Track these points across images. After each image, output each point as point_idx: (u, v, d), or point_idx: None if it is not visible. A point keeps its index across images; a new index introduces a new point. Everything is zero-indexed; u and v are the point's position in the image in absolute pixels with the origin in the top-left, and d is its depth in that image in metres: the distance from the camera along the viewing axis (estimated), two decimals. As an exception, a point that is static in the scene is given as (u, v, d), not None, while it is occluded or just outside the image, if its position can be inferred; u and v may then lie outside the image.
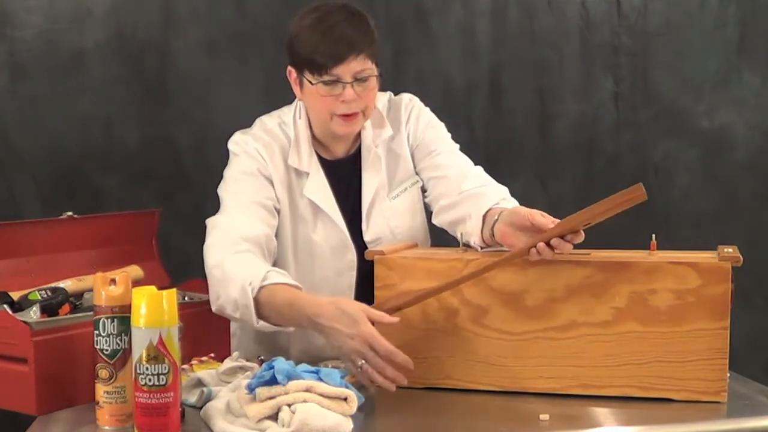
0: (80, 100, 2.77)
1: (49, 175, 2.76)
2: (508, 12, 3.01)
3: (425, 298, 1.76)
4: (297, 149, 2.04)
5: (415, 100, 2.15)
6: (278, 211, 2.01)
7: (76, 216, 2.02)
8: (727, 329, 1.66)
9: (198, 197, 2.86)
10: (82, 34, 2.76)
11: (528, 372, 1.73)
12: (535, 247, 1.69)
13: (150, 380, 1.47)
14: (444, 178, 2.05)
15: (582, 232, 1.70)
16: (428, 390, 1.78)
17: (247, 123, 2.86)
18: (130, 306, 1.51)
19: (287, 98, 2.97)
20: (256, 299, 1.79)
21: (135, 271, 1.95)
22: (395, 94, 2.15)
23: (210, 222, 1.98)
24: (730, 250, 1.71)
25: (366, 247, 1.97)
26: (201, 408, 1.62)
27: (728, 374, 1.69)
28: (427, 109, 2.15)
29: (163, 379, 1.47)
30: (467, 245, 1.90)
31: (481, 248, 1.86)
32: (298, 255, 2.03)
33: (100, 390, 1.57)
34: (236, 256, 1.86)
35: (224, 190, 2.03)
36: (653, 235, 1.81)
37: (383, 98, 2.13)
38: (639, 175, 3.12)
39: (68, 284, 1.85)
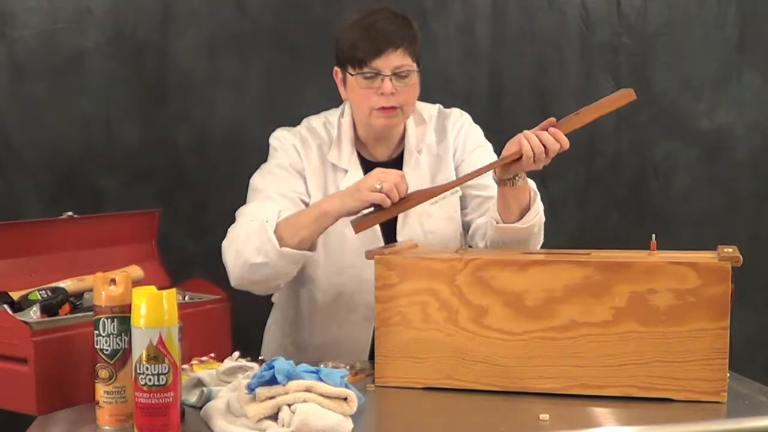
0: (80, 100, 2.77)
1: (49, 175, 2.76)
2: (508, 12, 3.01)
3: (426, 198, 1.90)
4: (338, 147, 2.11)
5: (466, 116, 2.21)
6: (306, 205, 2.06)
7: (76, 216, 2.01)
8: (727, 329, 1.66)
9: (198, 197, 2.87)
10: (82, 34, 2.76)
11: (528, 372, 1.73)
12: (526, 140, 1.82)
13: (150, 380, 1.47)
14: (489, 199, 2.08)
15: (565, 140, 1.85)
16: (428, 390, 1.78)
17: (247, 123, 2.88)
18: (130, 306, 1.51)
19: (287, 98, 2.98)
20: (276, 232, 1.91)
21: (135, 271, 1.94)
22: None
23: (237, 212, 2.06)
24: (730, 250, 1.71)
25: None
26: (201, 408, 1.62)
27: (728, 374, 1.69)
28: (477, 127, 2.21)
29: (163, 379, 1.47)
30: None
31: (497, 224, 1.98)
32: (328, 242, 2.06)
33: (100, 390, 1.57)
34: (251, 223, 1.97)
35: (256, 181, 2.11)
36: (653, 235, 1.81)
37: (432, 108, 2.19)
38: (639, 175, 3.12)
39: (68, 284, 1.84)
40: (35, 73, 2.73)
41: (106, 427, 1.57)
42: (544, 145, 1.83)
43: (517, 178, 1.92)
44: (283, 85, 2.89)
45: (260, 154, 2.58)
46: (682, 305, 1.67)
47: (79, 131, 2.78)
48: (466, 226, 2.17)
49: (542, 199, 2.03)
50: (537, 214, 1.98)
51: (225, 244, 2.00)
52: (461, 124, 2.18)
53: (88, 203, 2.64)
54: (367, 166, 2.09)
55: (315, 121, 2.16)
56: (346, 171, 2.09)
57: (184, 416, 1.58)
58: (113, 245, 2.07)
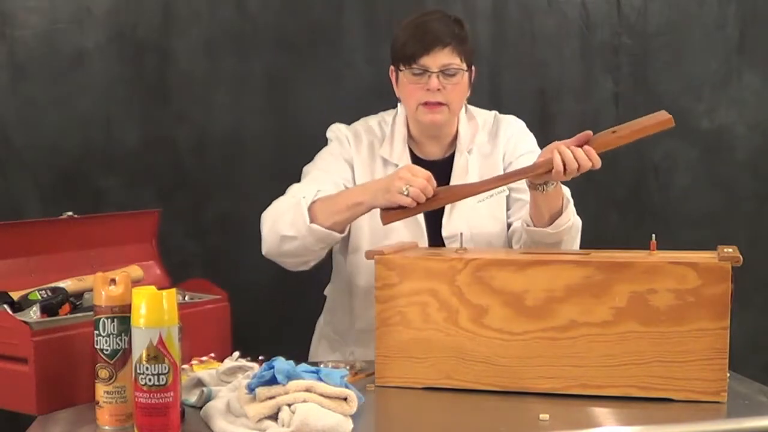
0: (80, 100, 2.77)
1: (49, 175, 2.76)
2: (508, 12, 3.01)
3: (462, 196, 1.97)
4: (390, 142, 2.18)
5: (521, 123, 2.27)
6: None
7: (76, 216, 2.01)
8: (727, 329, 1.66)
9: (198, 197, 2.87)
10: (82, 34, 2.76)
11: (528, 372, 1.73)
12: (558, 152, 1.84)
13: (150, 380, 1.47)
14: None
15: (597, 160, 1.87)
16: (428, 390, 1.78)
17: (247, 123, 2.88)
18: (130, 306, 1.52)
19: (287, 98, 2.98)
20: (310, 209, 2.00)
21: (135, 271, 1.94)
22: (395, 95, 2.19)
23: (288, 188, 2.14)
24: (730, 250, 1.71)
25: (443, 243, 2.11)
26: (201, 408, 1.62)
27: (728, 374, 1.69)
28: (531, 135, 2.25)
29: (163, 379, 1.48)
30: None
31: (527, 226, 2.02)
32: (373, 229, 2.11)
33: (100, 390, 1.57)
34: (289, 198, 2.08)
35: (307, 167, 2.20)
36: (653, 235, 1.81)
37: (488, 114, 2.26)
38: (639, 175, 3.12)
39: (68, 284, 1.84)
40: (35, 73, 2.73)
41: (106, 427, 1.57)
42: (576, 161, 1.86)
43: (548, 184, 1.94)
44: (283, 85, 2.89)
45: (260, 154, 2.60)
46: (682, 305, 1.67)
47: (79, 131, 2.77)
48: (508, 228, 2.19)
49: (565, 186, 2.03)
50: (568, 220, 2.00)
51: (264, 214, 2.08)
52: (514, 129, 2.23)
53: (88, 203, 2.64)
54: (418, 163, 2.12)
55: (372, 120, 2.25)
56: (396, 166, 2.13)
57: (184, 416, 1.58)
58: (113, 245, 2.07)
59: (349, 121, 2.28)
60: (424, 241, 2.12)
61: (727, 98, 3.11)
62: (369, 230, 2.14)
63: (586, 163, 1.86)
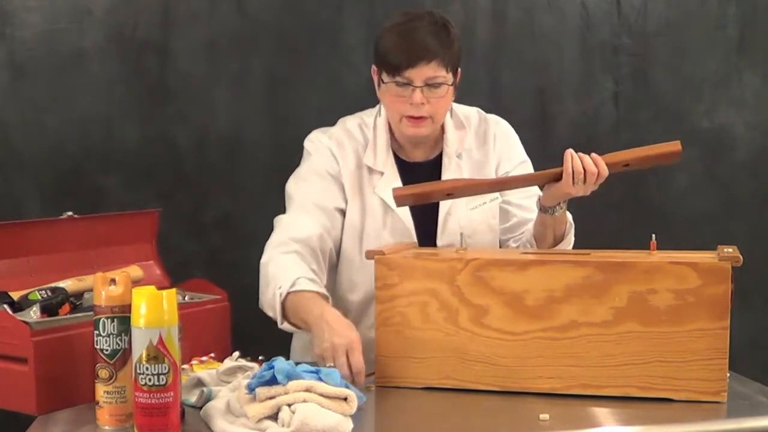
0: (80, 100, 2.77)
1: (49, 175, 2.76)
2: (508, 12, 3.01)
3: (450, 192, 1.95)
4: (374, 149, 2.11)
5: (507, 124, 2.22)
6: (343, 212, 2.09)
7: (76, 216, 2.01)
8: (727, 329, 1.66)
9: (198, 197, 2.87)
10: (82, 34, 2.76)
11: (528, 372, 1.73)
12: (571, 156, 1.87)
13: (150, 380, 1.47)
14: (526, 222, 2.12)
15: (604, 167, 1.90)
16: (428, 390, 1.78)
17: (247, 123, 2.88)
18: (130, 306, 1.52)
19: (287, 98, 2.98)
20: (283, 303, 1.91)
21: (135, 271, 1.94)
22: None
23: (276, 220, 2.08)
24: (730, 250, 1.71)
25: None
26: (201, 408, 1.62)
27: (728, 374, 1.69)
28: (517, 136, 2.22)
29: (163, 379, 1.48)
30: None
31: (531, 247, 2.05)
32: (364, 247, 2.06)
33: (100, 390, 1.57)
34: (281, 257, 1.99)
35: (291, 188, 2.12)
36: (653, 235, 1.81)
37: (471, 111, 2.19)
38: (639, 175, 3.12)
39: (68, 284, 1.84)
40: (35, 73, 2.73)
41: (106, 427, 1.57)
42: (584, 168, 1.89)
43: (558, 207, 1.97)
44: (283, 85, 2.89)
45: (260, 155, 2.60)
46: (682, 305, 1.67)
47: (79, 131, 2.77)
48: (500, 243, 2.18)
49: (568, 212, 2.05)
50: (569, 244, 2.06)
51: (261, 266, 2.02)
52: (503, 133, 2.19)
53: (88, 203, 2.64)
54: (404, 167, 2.11)
55: (350, 122, 2.16)
56: (382, 173, 2.10)
57: (184, 416, 1.58)
58: (113, 245, 2.07)
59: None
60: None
61: (727, 98, 3.11)
62: (360, 246, 2.08)
63: (592, 169, 1.89)
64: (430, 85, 1.97)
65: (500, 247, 2.17)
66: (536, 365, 1.73)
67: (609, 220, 3.07)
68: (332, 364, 1.72)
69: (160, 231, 2.17)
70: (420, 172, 2.09)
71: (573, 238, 2.09)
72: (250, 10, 2.86)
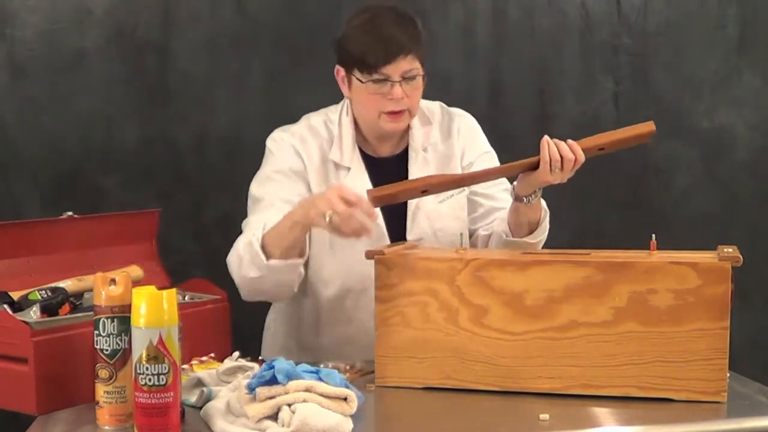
0: (80, 100, 2.77)
1: (49, 175, 2.76)
2: (508, 12, 3.01)
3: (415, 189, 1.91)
4: (339, 145, 2.10)
5: (470, 117, 2.22)
6: None
7: (76, 216, 2.01)
8: (727, 329, 1.66)
9: (198, 197, 2.87)
10: (82, 34, 2.76)
11: (528, 372, 1.73)
12: (547, 144, 1.88)
13: (150, 380, 1.47)
14: (495, 210, 2.13)
15: (581, 153, 1.91)
16: (428, 390, 1.78)
17: (247, 123, 2.88)
18: (130, 306, 1.51)
19: (287, 98, 2.98)
20: (263, 247, 1.92)
21: (135, 271, 1.94)
22: None
23: (243, 223, 2.06)
24: (730, 250, 1.71)
25: None
26: (201, 408, 1.62)
27: (728, 374, 1.69)
28: (480, 129, 2.22)
29: (163, 379, 1.47)
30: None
31: (506, 237, 2.04)
32: (335, 242, 2.04)
33: (100, 390, 1.57)
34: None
35: (256, 189, 2.10)
36: (653, 235, 1.81)
37: (434, 106, 2.19)
38: (639, 175, 3.12)
39: (68, 284, 1.84)
40: (35, 73, 2.74)
41: (106, 427, 1.57)
42: (560, 155, 1.89)
43: (533, 195, 1.97)
44: (283, 85, 2.89)
45: (260, 155, 2.57)
46: (682, 305, 1.67)
47: (79, 131, 2.78)
48: (469, 232, 2.17)
49: (542, 198, 2.04)
50: (545, 231, 2.06)
51: (228, 259, 2.01)
52: (466, 126, 2.19)
53: (88, 203, 2.64)
54: (370, 162, 2.10)
55: (315, 119, 2.15)
56: (348, 169, 2.09)
57: (184, 416, 1.58)
58: (113, 245, 2.07)
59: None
60: (387, 241, 2.07)
61: (727, 98, 3.11)
62: (329, 242, 2.06)
63: (569, 155, 1.89)
64: (407, 78, 1.98)
65: (470, 236, 2.16)
66: (536, 365, 1.73)
67: (609, 220, 3.07)
68: (329, 218, 1.76)
69: (160, 231, 2.17)
70: (386, 166, 2.09)
71: (548, 225, 2.08)
72: (250, 10, 2.86)
